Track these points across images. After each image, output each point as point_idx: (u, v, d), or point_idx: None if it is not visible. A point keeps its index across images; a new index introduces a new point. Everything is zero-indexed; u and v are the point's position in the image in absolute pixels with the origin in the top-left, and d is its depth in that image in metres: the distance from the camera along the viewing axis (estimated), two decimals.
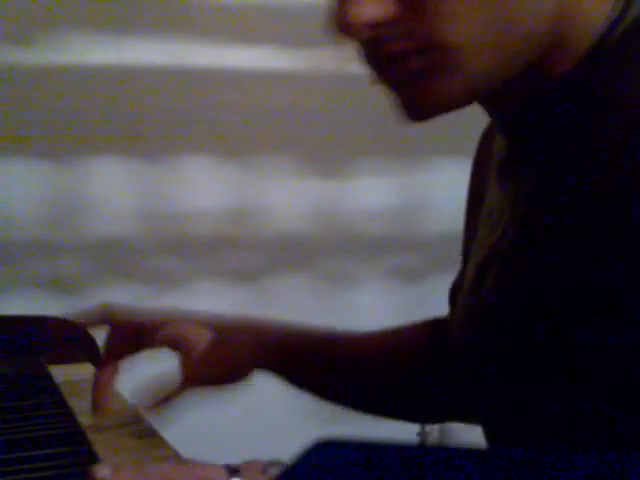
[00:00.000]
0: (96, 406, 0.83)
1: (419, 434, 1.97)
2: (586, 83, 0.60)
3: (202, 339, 0.85)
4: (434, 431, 2.00)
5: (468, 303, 0.70)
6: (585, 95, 0.60)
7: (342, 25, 0.58)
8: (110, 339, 0.87)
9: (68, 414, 0.86)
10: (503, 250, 0.65)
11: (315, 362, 0.89)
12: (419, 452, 0.41)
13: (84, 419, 0.83)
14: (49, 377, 1.01)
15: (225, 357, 0.85)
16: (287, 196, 1.96)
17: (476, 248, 0.72)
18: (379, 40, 0.58)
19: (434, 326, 0.89)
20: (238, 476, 0.56)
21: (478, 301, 0.68)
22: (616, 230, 0.55)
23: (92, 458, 0.73)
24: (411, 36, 0.57)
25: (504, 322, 0.63)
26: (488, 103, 0.66)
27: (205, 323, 0.87)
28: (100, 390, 0.83)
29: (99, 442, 0.77)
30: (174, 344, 0.85)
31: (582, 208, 0.57)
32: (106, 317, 0.87)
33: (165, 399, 0.83)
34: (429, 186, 2.03)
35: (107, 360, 0.86)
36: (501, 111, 0.66)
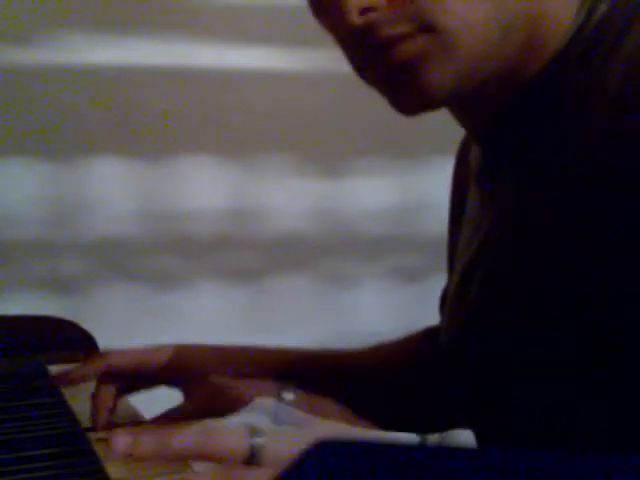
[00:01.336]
0: (98, 425, 0.82)
1: (419, 434, 1.97)
2: (556, 87, 0.60)
3: (202, 373, 0.85)
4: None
5: (455, 308, 0.70)
6: (555, 98, 0.60)
7: (334, 12, 0.57)
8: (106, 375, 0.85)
9: (68, 414, 0.86)
10: (487, 254, 0.65)
11: (313, 383, 0.89)
12: (419, 452, 0.41)
13: (84, 419, 0.83)
14: (49, 377, 1.01)
15: (227, 387, 0.85)
16: (287, 196, 1.96)
17: (460, 254, 0.72)
18: (371, 27, 0.57)
19: (427, 335, 0.89)
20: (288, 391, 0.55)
21: (464, 305, 0.68)
22: (600, 229, 0.55)
23: (92, 458, 0.72)
24: (404, 20, 0.56)
25: (490, 326, 0.63)
26: (462, 111, 0.66)
27: (204, 355, 0.87)
28: (100, 410, 0.83)
29: (99, 442, 0.77)
30: (174, 379, 0.85)
31: (563, 209, 0.57)
32: (104, 366, 0.86)
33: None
34: (429, 186, 2.03)
35: (103, 386, 0.84)
36: (475, 119, 0.66)
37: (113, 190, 1.84)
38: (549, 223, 0.59)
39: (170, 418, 0.83)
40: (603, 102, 0.56)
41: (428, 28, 0.56)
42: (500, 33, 0.59)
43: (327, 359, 0.91)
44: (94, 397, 0.83)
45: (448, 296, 0.75)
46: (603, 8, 0.60)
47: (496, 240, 0.65)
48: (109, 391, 0.83)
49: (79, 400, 0.86)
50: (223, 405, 0.86)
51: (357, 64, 0.61)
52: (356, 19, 0.57)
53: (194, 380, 0.85)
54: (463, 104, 0.65)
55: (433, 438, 2.04)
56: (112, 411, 0.83)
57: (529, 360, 0.60)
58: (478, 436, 0.70)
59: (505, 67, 0.61)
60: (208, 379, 0.85)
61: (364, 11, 0.57)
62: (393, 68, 0.58)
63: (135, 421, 0.85)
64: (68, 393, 0.93)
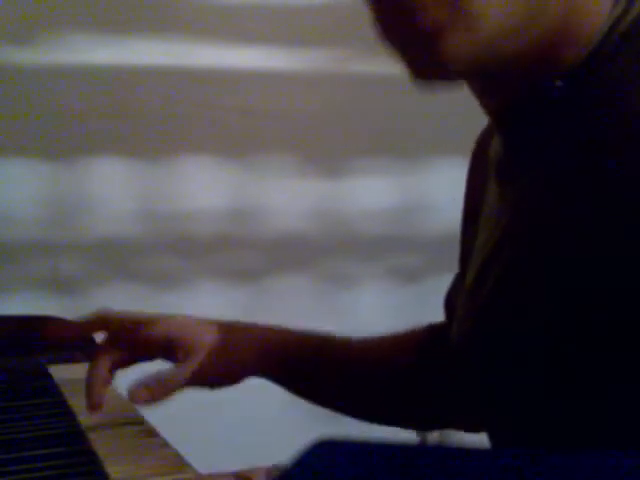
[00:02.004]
0: (90, 405, 0.81)
1: (419, 434, 1.97)
2: (588, 82, 0.60)
3: (200, 338, 0.85)
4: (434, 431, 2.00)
5: (469, 305, 0.70)
6: (587, 94, 0.60)
7: None
8: (105, 342, 0.85)
9: (68, 414, 0.86)
10: (503, 252, 0.65)
11: (313, 368, 0.89)
12: (419, 452, 0.41)
13: (84, 419, 0.83)
14: (49, 377, 1.01)
15: (224, 360, 0.85)
16: (287, 196, 1.96)
17: (477, 250, 0.72)
18: None
19: (430, 332, 0.89)
20: None
21: (478, 302, 0.67)
22: (625, 231, 0.54)
23: (92, 458, 0.72)
24: None
25: (505, 325, 0.63)
26: (487, 92, 0.65)
27: (204, 322, 0.87)
28: (93, 389, 0.82)
29: (99, 442, 0.77)
30: (171, 345, 0.85)
31: (587, 210, 0.57)
32: (103, 323, 0.86)
33: (160, 395, 0.82)
34: (429, 186, 2.03)
35: (100, 359, 0.84)
36: (499, 104, 0.66)
37: (113, 190, 1.85)
38: (567, 221, 0.59)
39: (157, 382, 0.82)
40: (631, 102, 0.56)
41: None
42: (529, 12, 0.58)
43: (324, 345, 0.90)
44: (90, 368, 0.82)
45: (462, 292, 0.74)
46: (637, 7, 0.60)
47: (514, 237, 0.64)
48: (107, 362, 0.82)
49: (79, 400, 0.86)
50: (212, 375, 0.86)
51: (383, 24, 0.61)
52: None
53: (188, 349, 0.84)
54: (487, 85, 0.64)
55: (432, 437, 2.04)
56: (108, 383, 0.83)
57: (540, 358, 0.60)
58: (488, 433, 0.70)
59: (534, 51, 0.60)
60: (201, 348, 0.84)
61: None
62: (415, 32, 0.58)
63: (134, 421, 0.85)
64: (68, 393, 0.93)
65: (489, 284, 0.66)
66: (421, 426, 0.90)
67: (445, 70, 0.59)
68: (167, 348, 0.85)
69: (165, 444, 0.79)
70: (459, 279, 0.83)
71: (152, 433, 0.83)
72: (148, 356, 0.86)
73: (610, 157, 0.57)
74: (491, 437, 0.70)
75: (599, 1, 0.61)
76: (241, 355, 0.86)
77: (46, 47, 1.78)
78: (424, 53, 0.58)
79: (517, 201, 0.64)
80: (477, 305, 0.67)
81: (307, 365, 0.89)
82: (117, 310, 0.87)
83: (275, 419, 1.90)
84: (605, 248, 0.55)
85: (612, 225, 0.55)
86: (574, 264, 0.57)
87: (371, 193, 2.02)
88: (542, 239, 0.61)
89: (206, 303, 1.90)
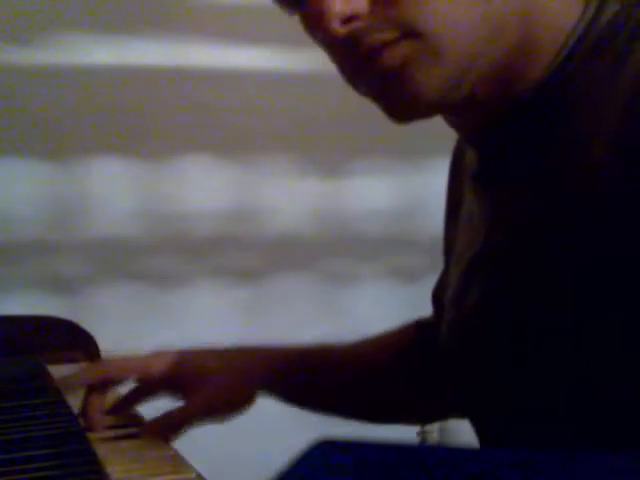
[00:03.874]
0: (90, 427, 0.82)
1: (419, 434, 1.97)
2: (558, 92, 0.60)
3: (204, 371, 0.84)
4: (434, 431, 2.00)
5: (455, 314, 0.70)
6: (558, 103, 0.60)
7: (317, 26, 0.57)
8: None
9: (68, 414, 0.86)
10: (486, 259, 0.65)
11: (314, 380, 0.89)
12: (419, 452, 0.41)
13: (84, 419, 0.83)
14: (49, 377, 1.01)
15: (228, 388, 0.85)
16: (287, 196, 1.96)
17: (457, 256, 0.72)
18: (354, 37, 0.57)
19: (418, 327, 0.90)
20: None
21: (464, 314, 0.67)
22: (605, 240, 0.54)
23: (92, 458, 0.72)
24: (387, 26, 0.56)
25: (492, 334, 0.63)
26: (456, 116, 0.66)
27: (205, 354, 0.87)
28: (91, 413, 0.82)
29: (99, 442, 0.77)
30: (175, 381, 0.84)
31: (567, 215, 0.57)
32: (105, 371, 0.85)
33: (172, 431, 0.82)
34: (429, 186, 2.03)
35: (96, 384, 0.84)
36: (469, 124, 0.66)
37: (113, 190, 1.84)
38: (547, 229, 0.59)
39: (169, 419, 0.83)
40: (609, 111, 0.56)
41: (411, 33, 0.56)
42: (489, 34, 0.58)
43: (322, 354, 0.90)
44: (85, 404, 0.83)
45: (446, 299, 0.74)
46: (610, 12, 0.59)
47: (494, 245, 0.64)
48: (100, 399, 0.83)
49: (79, 400, 0.86)
50: (222, 407, 0.86)
51: (347, 75, 0.61)
52: (339, 29, 0.56)
53: (194, 384, 0.84)
54: (455, 109, 0.64)
55: (432, 433, 2.03)
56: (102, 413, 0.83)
57: (529, 361, 0.60)
58: (481, 433, 0.70)
59: (497, 70, 0.60)
60: (207, 381, 0.84)
61: (347, 20, 0.56)
62: (379, 76, 0.58)
63: (134, 421, 0.85)
64: (68, 393, 0.93)
65: (473, 293, 0.66)
66: (425, 419, 0.91)
67: (416, 105, 0.59)
68: (172, 385, 0.85)
69: (165, 444, 0.79)
70: (444, 275, 0.83)
71: None
72: (152, 394, 0.86)
73: (582, 167, 0.56)
74: (485, 433, 0.70)
75: (565, 7, 0.60)
76: (246, 379, 0.86)
77: (46, 47, 1.78)
78: (393, 93, 0.58)
79: (495, 211, 0.64)
80: (463, 314, 0.68)
81: (310, 376, 0.89)
82: (116, 356, 0.87)
83: (275, 420, 1.90)
84: (587, 251, 0.55)
85: (594, 227, 0.55)
86: (558, 268, 0.57)
87: (371, 193, 2.02)
88: (522, 246, 0.61)
89: (206, 303, 1.90)
